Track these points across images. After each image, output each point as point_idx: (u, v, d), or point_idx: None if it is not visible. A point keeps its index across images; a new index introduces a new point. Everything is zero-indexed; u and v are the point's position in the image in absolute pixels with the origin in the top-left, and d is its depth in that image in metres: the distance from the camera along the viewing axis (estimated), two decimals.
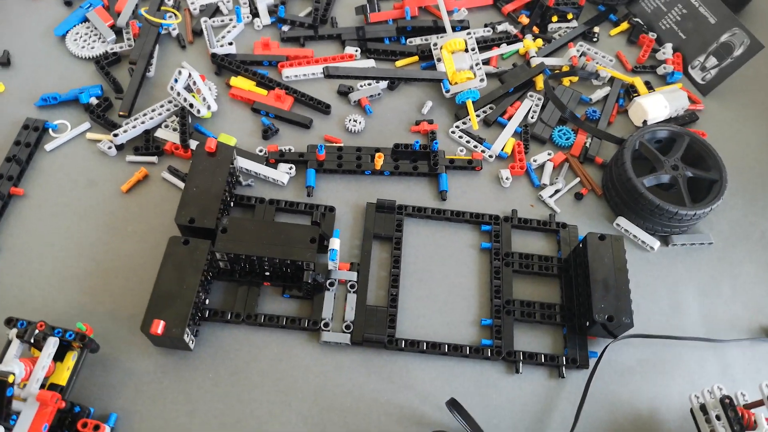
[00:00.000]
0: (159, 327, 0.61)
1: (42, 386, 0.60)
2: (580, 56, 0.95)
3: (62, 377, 0.62)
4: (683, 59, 0.97)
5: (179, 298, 0.64)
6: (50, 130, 0.81)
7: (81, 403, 0.63)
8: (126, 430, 0.63)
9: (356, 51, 0.92)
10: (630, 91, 0.94)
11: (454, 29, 0.94)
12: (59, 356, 0.63)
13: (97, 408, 0.64)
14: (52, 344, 0.60)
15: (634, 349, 0.74)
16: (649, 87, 0.94)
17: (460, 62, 0.88)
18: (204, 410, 0.65)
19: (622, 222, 0.81)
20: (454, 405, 0.64)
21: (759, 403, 0.67)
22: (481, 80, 0.88)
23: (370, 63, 0.91)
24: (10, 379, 0.54)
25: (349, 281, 0.73)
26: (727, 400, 0.64)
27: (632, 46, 1.01)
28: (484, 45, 0.96)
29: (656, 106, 0.89)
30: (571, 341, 0.73)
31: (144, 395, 0.65)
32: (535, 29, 0.99)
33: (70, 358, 0.64)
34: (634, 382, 0.72)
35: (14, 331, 0.61)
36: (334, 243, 0.68)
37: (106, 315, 0.70)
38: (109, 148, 0.79)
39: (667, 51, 0.97)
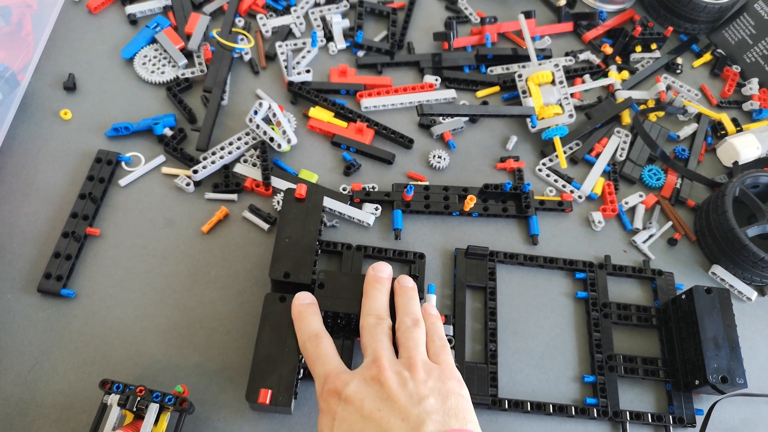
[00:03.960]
0: (267, 397, 0.58)
1: None
2: (667, 90, 0.92)
3: None
4: None
5: (282, 363, 0.60)
6: (123, 163, 0.77)
7: None
8: None
9: (436, 80, 0.88)
10: (717, 128, 0.90)
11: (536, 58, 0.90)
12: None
13: None
14: (153, 412, 0.56)
15: (736, 407, 0.72)
16: (736, 124, 0.91)
17: (547, 96, 0.85)
18: None
19: (719, 271, 0.78)
20: None
21: None
22: (570, 116, 0.84)
23: (452, 93, 0.87)
24: None
25: (447, 336, 0.70)
26: None
27: (716, 78, 0.97)
28: (567, 75, 0.91)
29: (748, 147, 0.85)
30: (677, 398, 0.70)
31: None
32: (618, 59, 0.95)
33: (164, 420, 0.60)
34: None
35: (113, 397, 0.57)
36: (431, 300, 0.64)
37: (193, 370, 0.66)
38: (188, 184, 0.75)
39: (753, 86, 0.94)
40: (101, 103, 0.81)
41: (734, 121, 0.91)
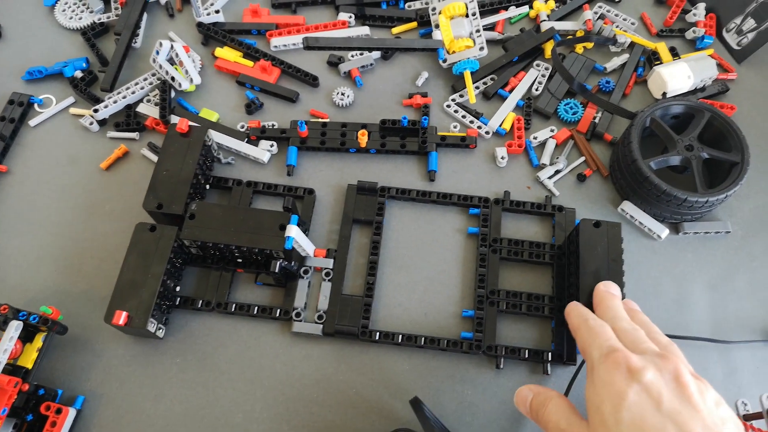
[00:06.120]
0: (121, 318, 0.61)
1: (12, 367, 0.61)
2: (597, 19, 0.86)
3: (30, 359, 0.63)
4: (717, 21, 0.86)
5: (143, 288, 0.63)
6: (35, 105, 0.80)
7: (50, 385, 0.64)
8: (92, 413, 0.63)
9: (350, 17, 0.86)
10: (652, 59, 0.84)
11: None
12: (30, 337, 0.64)
13: (66, 390, 0.64)
14: (14, 328, 0.60)
15: None
16: (675, 54, 0.84)
17: (458, 29, 0.81)
18: (169, 396, 0.64)
19: (628, 207, 0.74)
20: (415, 405, 0.60)
21: (758, 416, 0.61)
22: (481, 48, 0.80)
23: (365, 30, 0.86)
24: None
25: (325, 269, 0.70)
26: None
27: (661, 6, 0.90)
28: (491, 8, 0.88)
29: (678, 76, 0.79)
30: (559, 335, 0.67)
31: (111, 379, 0.65)
32: None
33: (39, 340, 0.64)
34: None
35: None
36: (291, 230, 0.65)
37: (79, 296, 0.69)
38: (91, 123, 0.78)
39: (699, 12, 0.86)
40: (23, 49, 0.85)
41: (672, 50, 0.84)
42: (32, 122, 0.79)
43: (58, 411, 0.61)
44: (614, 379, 0.47)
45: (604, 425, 0.45)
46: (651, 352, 0.49)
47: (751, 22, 0.83)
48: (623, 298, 0.61)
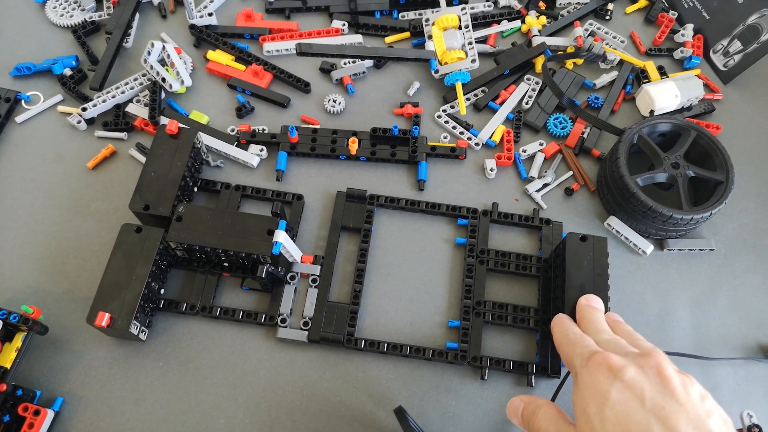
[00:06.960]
0: (104, 320, 0.60)
1: None
2: (588, 36, 0.87)
3: (8, 358, 0.62)
4: (704, 42, 0.88)
5: (127, 289, 0.62)
6: (23, 102, 0.79)
7: (29, 385, 0.62)
8: (70, 415, 0.62)
9: (343, 25, 0.87)
10: (641, 77, 0.85)
11: (450, 3, 0.87)
12: (9, 336, 0.63)
13: (45, 391, 0.63)
14: None
15: None
16: (663, 72, 0.86)
17: (451, 40, 0.82)
18: (151, 400, 0.64)
19: (614, 222, 0.75)
20: (399, 414, 0.60)
21: None
22: (473, 61, 0.81)
23: (357, 38, 0.86)
24: None
25: (312, 275, 0.70)
26: None
27: (650, 25, 0.92)
28: (483, 21, 0.89)
29: (665, 95, 0.81)
30: (544, 348, 0.68)
31: (92, 380, 0.64)
32: (542, 4, 0.91)
33: (19, 339, 0.63)
34: None
35: None
36: (279, 235, 0.64)
37: (61, 295, 0.68)
38: (79, 122, 0.77)
39: (687, 32, 0.88)
40: (12, 45, 0.84)
41: (660, 69, 0.86)
42: (19, 119, 0.78)
43: (36, 412, 0.60)
44: (597, 380, 0.47)
45: (590, 426, 0.46)
46: (632, 354, 0.50)
47: (737, 44, 0.84)
48: (607, 311, 0.62)
